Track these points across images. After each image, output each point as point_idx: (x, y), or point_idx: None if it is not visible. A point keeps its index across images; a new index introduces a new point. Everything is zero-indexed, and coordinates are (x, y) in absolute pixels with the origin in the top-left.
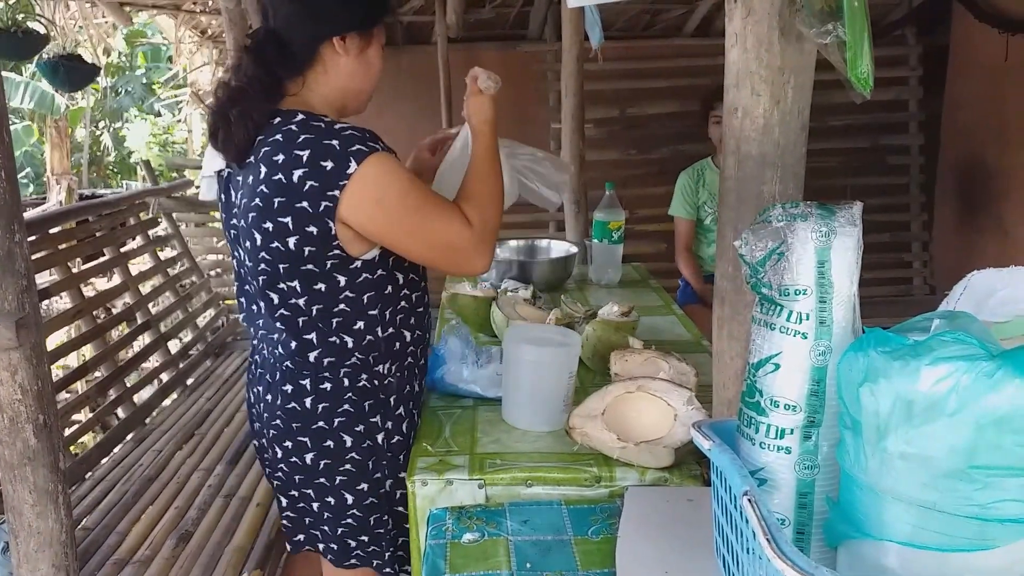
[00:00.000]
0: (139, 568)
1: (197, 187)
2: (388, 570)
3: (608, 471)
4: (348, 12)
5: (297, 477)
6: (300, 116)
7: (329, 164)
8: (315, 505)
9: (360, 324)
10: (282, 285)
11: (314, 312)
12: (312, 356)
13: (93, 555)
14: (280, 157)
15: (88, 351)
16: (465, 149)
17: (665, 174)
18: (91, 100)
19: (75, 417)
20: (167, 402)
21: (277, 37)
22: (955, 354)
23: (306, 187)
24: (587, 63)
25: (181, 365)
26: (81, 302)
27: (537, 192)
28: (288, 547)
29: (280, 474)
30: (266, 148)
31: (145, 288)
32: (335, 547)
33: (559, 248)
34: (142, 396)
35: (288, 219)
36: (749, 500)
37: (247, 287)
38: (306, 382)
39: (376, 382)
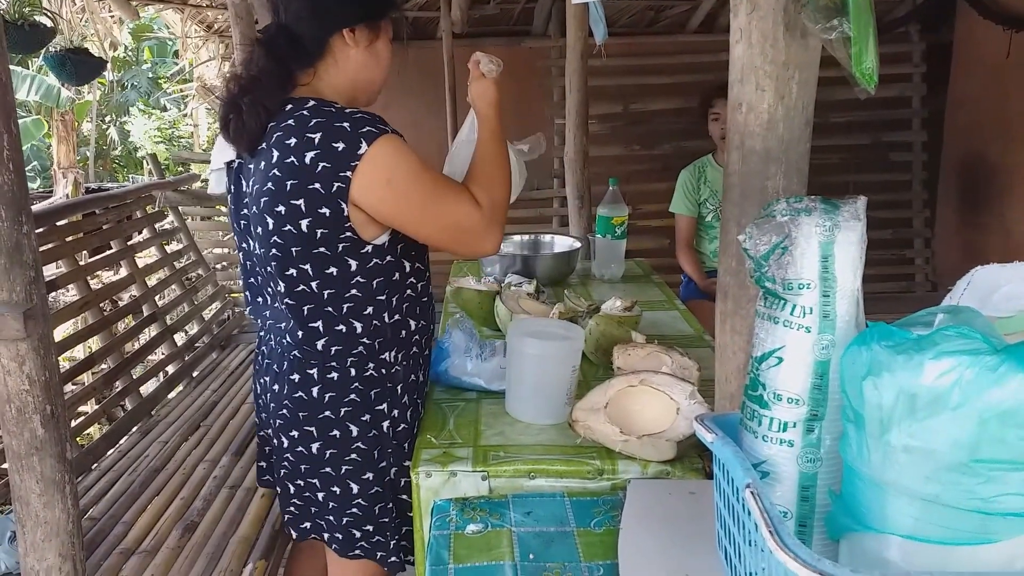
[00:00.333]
0: (145, 558)
1: (204, 181)
2: (393, 559)
3: (611, 464)
4: (356, 5)
5: (303, 467)
6: (312, 102)
7: (341, 145)
8: (320, 495)
9: (369, 309)
10: (293, 270)
11: (326, 296)
12: (320, 344)
13: (99, 545)
14: (292, 140)
15: (95, 343)
16: (472, 133)
17: (668, 170)
18: (97, 94)
19: (81, 408)
20: (173, 394)
21: (288, 32)
22: (959, 348)
23: (319, 168)
24: (591, 59)
25: (187, 357)
26: (88, 294)
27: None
28: (294, 534)
29: (286, 463)
30: (278, 133)
31: (151, 281)
32: (340, 536)
33: (562, 243)
34: (148, 388)
35: (301, 201)
36: (752, 492)
37: (253, 279)
38: (313, 371)
39: (383, 370)
